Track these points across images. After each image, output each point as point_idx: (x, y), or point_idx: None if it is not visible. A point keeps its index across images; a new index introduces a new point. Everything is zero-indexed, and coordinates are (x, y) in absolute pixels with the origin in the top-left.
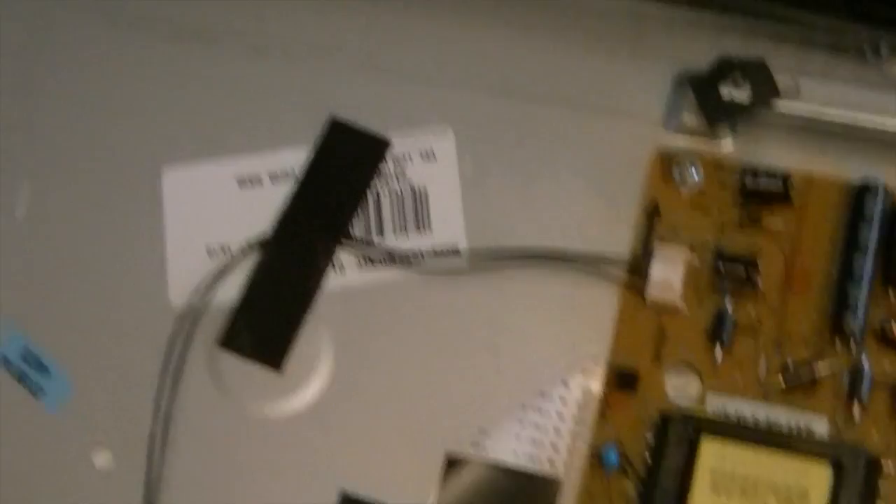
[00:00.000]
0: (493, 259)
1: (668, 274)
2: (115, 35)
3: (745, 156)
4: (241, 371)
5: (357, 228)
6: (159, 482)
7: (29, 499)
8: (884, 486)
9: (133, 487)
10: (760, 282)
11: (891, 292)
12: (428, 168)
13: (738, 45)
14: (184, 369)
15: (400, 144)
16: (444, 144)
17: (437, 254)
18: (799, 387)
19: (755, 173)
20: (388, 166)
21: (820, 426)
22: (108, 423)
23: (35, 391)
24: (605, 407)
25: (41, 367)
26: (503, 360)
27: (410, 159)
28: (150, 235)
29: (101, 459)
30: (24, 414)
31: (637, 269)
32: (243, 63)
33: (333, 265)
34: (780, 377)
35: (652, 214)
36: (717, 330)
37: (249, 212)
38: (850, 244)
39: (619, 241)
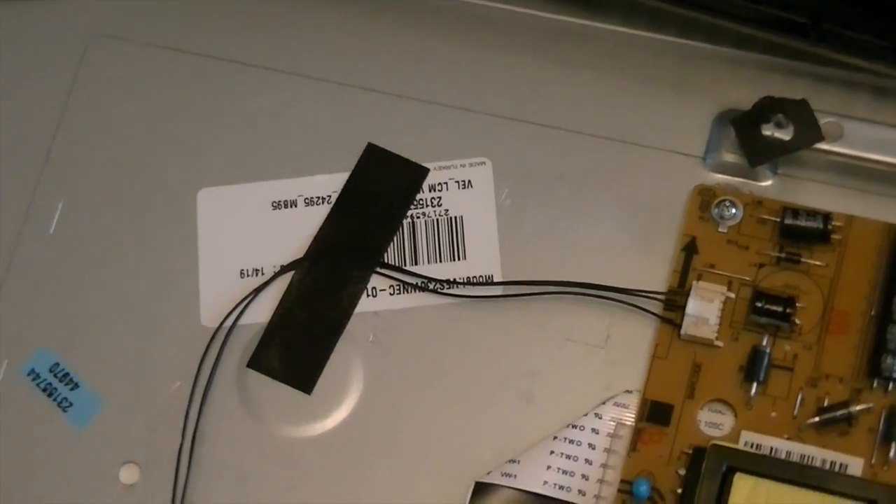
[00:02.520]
0: (528, 289)
1: (705, 310)
2: (155, 61)
3: (785, 196)
4: (271, 392)
5: (391, 254)
6: (185, 500)
7: None
8: None
9: (159, 503)
10: (798, 320)
11: None
12: (465, 197)
13: (781, 86)
14: (213, 389)
15: (437, 173)
16: (482, 174)
17: (472, 282)
18: (834, 427)
19: (795, 212)
20: (425, 194)
21: (854, 467)
22: (136, 439)
23: (63, 406)
24: (638, 439)
25: (70, 382)
26: (536, 389)
27: (447, 188)
28: (184, 256)
29: (128, 475)
30: (52, 428)
31: (673, 305)
32: (283, 90)
33: (366, 290)
34: (816, 416)
35: (690, 250)
36: (753, 367)
37: (283, 235)
38: (890, 287)
39: (657, 276)
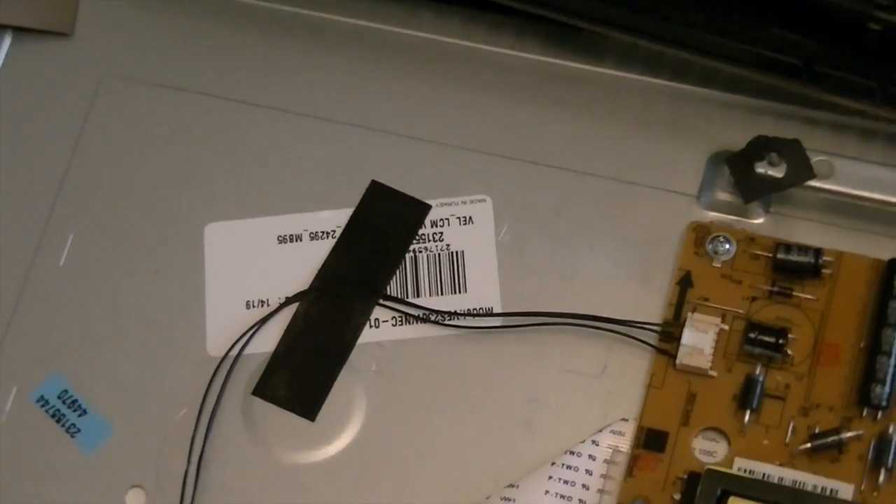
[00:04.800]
0: (528, 320)
1: (699, 341)
2: (164, 100)
3: (777, 232)
4: (275, 419)
5: (394, 287)
6: None
7: None
8: None
9: None
10: (790, 351)
11: None
12: (465, 233)
13: (773, 127)
14: (219, 416)
15: (439, 209)
16: (482, 211)
17: (472, 314)
18: (825, 453)
19: (788, 247)
20: (427, 229)
21: (845, 492)
22: (142, 465)
23: (72, 432)
24: (634, 465)
25: (78, 409)
26: (534, 417)
27: (448, 224)
28: (191, 288)
29: (135, 500)
30: (61, 453)
31: (669, 336)
32: (289, 129)
33: (369, 321)
34: (808, 443)
35: (685, 284)
36: (746, 395)
37: (288, 268)
38: (880, 319)
39: (653, 308)
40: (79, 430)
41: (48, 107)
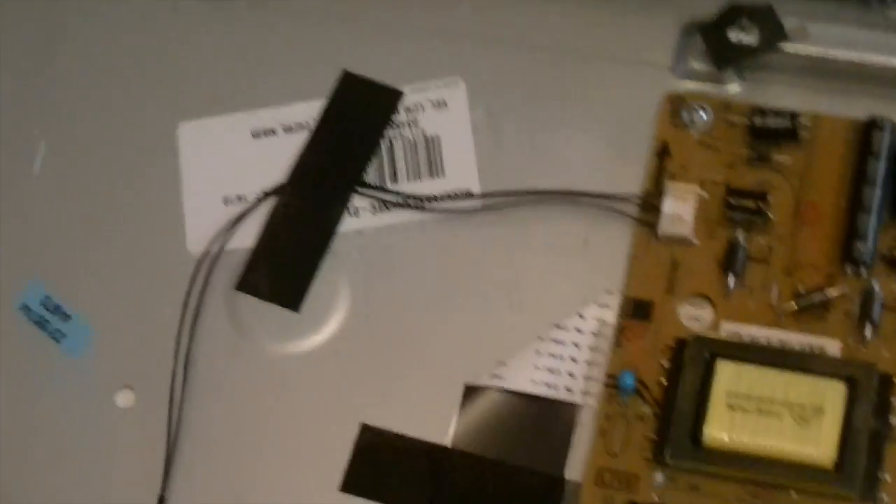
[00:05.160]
0: (507, 199)
1: (680, 209)
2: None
3: (754, 98)
4: (259, 312)
5: (371, 175)
6: (181, 419)
7: (53, 441)
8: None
9: (156, 426)
10: (771, 214)
11: None
12: (440, 117)
13: None
14: (203, 312)
15: (412, 95)
16: (456, 94)
17: (451, 197)
18: (811, 312)
19: (763, 112)
20: (401, 116)
21: (832, 349)
22: (130, 366)
23: (56, 337)
24: (621, 336)
25: (61, 314)
26: (519, 295)
27: (423, 109)
28: (168, 188)
29: (125, 400)
30: (47, 359)
31: (649, 206)
32: (257, 20)
33: (348, 210)
34: (793, 302)
35: (663, 155)
36: (730, 260)
37: (264, 162)
38: (860, 177)
39: (631, 181)
40: (64, 336)
41: (14, 16)
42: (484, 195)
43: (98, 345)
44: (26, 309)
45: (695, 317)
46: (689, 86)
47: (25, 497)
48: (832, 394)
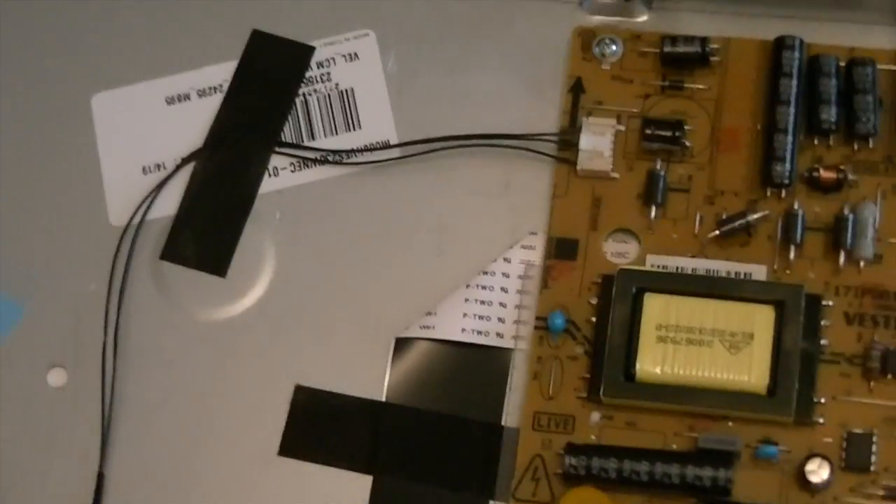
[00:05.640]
0: (425, 147)
1: (597, 144)
2: None
3: (663, 27)
4: (186, 280)
5: (288, 133)
6: (114, 394)
7: None
8: (825, 321)
9: (90, 402)
10: (688, 142)
11: (815, 140)
12: (352, 70)
13: None
14: (129, 284)
15: (323, 50)
16: (367, 45)
17: (370, 149)
18: (735, 239)
19: (674, 40)
20: (314, 72)
21: (759, 274)
22: (59, 343)
23: None
24: (548, 276)
25: None
26: (444, 244)
27: (335, 63)
28: (85, 160)
29: (56, 378)
30: None
31: (567, 143)
32: None
33: (268, 170)
34: (716, 230)
35: (577, 90)
36: (650, 191)
37: (180, 128)
38: (773, 98)
39: (547, 120)
40: None
41: None
42: (402, 144)
43: (25, 324)
44: None
45: (620, 252)
46: (598, 19)
47: None
48: (761, 318)
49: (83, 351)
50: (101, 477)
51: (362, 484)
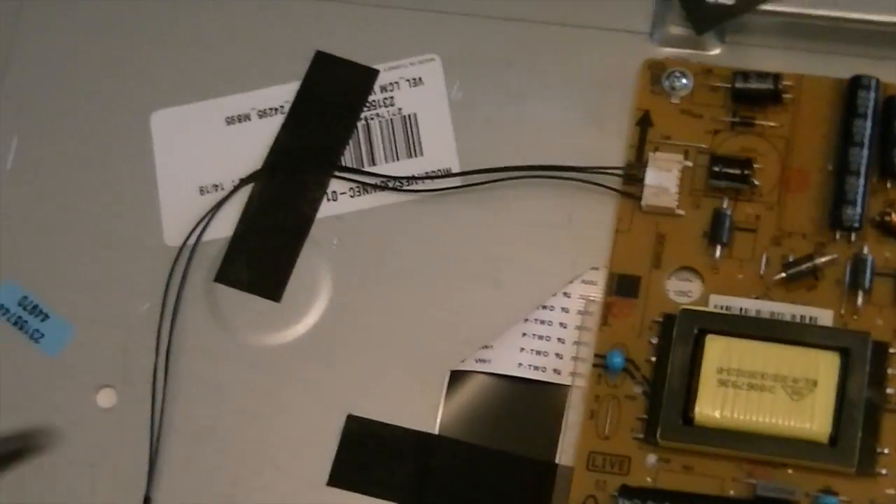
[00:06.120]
0: (487, 177)
1: (664, 180)
2: None
3: (734, 62)
4: (240, 304)
5: (349, 157)
6: (163, 417)
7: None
8: (892, 369)
9: (139, 424)
10: (757, 181)
11: (888, 184)
12: (416, 95)
13: None
14: (182, 306)
15: (387, 73)
16: (432, 70)
17: (430, 176)
18: (801, 282)
19: (746, 75)
20: (377, 95)
21: (825, 319)
22: (110, 363)
23: (35, 337)
24: (608, 313)
25: (40, 314)
26: (503, 275)
27: (398, 87)
28: (142, 179)
29: (105, 399)
30: (26, 360)
31: (632, 178)
32: (227, 3)
33: (326, 195)
34: (782, 272)
35: (644, 124)
36: (716, 230)
37: (239, 149)
38: (846, 139)
39: (613, 153)
40: (42, 336)
41: None
42: (464, 174)
43: (77, 343)
44: (3, 309)
45: (683, 291)
46: (669, 51)
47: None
48: (826, 365)
49: (134, 372)
50: (147, 501)
51: None
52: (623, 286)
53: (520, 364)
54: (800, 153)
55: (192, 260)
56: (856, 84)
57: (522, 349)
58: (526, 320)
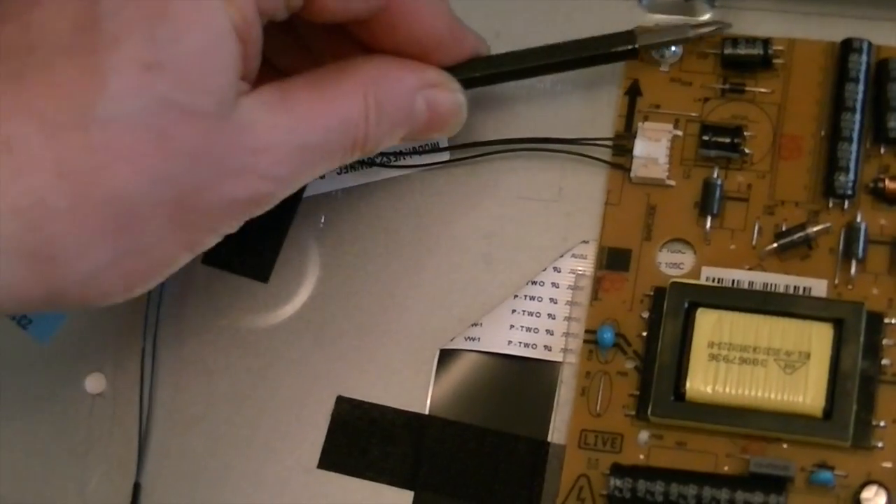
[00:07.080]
0: (476, 151)
1: (653, 150)
2: None
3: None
4: (228, 286)
5: None
6: (153, 400)
7: (24, 431)
8: (886, 341)
9: (128, 409)
10: (748, 149)
11: (882, 149)
12: None
13: None
14: (170, 289)
15: None
16: None
17: (418, 152)
18: (795, 252)
19: (735, 41)
20: None
21: (819, 289)
22: (98, 349)
23: (23, 324)
24: (599, 288)
25: None
26: (493, 250)
27: None
28: None
29: (95, 385)
30: (14, 346)
31: (621, 149)
32: None
33: None
34: (775, 242)
35: (633, 93)
36: (706, 200)
37: None
38: (838, 104)
39: (603, 123)
40: (30, 322)
41: None
42: (452, 147)
43: (65, 330)
44: None
45: (674, 263)
46: (658, 17)
47: None
48: (819, 337)
49: (123, 356)
50: (137, 487)
51: (403, 499)
52: (613, 260)
53: (510, 342)
54: (792, 119)
55: None
56: (847, 47)
57: (512, 326)
58: (515, 297)
